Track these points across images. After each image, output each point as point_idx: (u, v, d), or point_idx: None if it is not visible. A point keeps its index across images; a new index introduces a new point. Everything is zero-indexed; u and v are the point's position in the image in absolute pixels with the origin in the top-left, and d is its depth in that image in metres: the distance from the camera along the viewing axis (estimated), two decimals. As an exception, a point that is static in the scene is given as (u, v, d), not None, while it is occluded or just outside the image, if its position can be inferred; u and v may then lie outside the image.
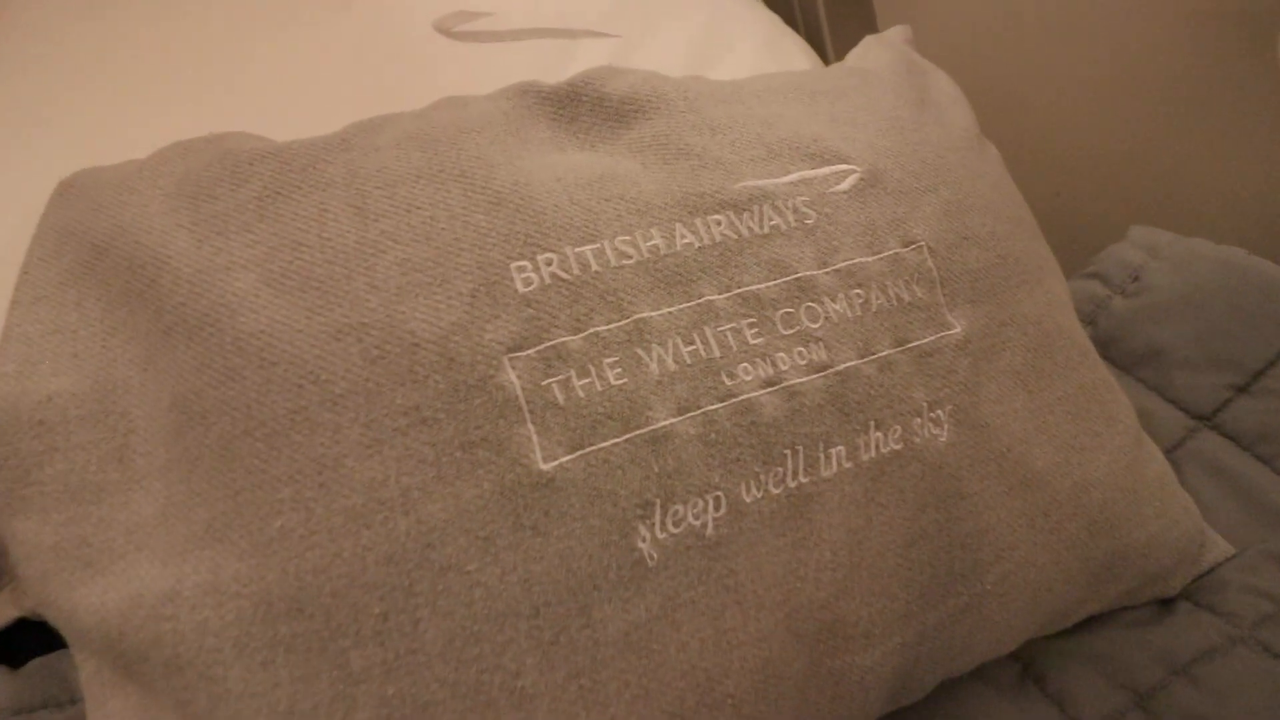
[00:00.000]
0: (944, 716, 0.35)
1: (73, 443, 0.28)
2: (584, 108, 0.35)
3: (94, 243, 0.30)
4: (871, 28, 0.74)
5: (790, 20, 0.71)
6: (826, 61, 0.69)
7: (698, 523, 0.27)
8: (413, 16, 0.51)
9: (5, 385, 0.28)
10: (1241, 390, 0.46)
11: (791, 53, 0.60)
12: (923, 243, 0.33)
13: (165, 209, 0.30)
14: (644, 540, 0.27)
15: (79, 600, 0.26)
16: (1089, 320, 0.52)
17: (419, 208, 0.29)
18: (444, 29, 0.50)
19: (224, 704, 0.24)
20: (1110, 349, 0.51)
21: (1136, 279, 0.52)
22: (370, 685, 0.24)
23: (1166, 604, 0.40)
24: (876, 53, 0.45)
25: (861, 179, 0.33)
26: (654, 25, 0.56)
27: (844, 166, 0.33)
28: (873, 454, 0.30)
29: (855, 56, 0.46)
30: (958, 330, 0.33)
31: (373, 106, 0.47)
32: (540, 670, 0.25)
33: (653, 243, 0.30)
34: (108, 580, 0.26)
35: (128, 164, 0.33)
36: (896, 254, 0.33)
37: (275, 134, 0.44)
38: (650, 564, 0.27)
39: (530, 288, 0.28)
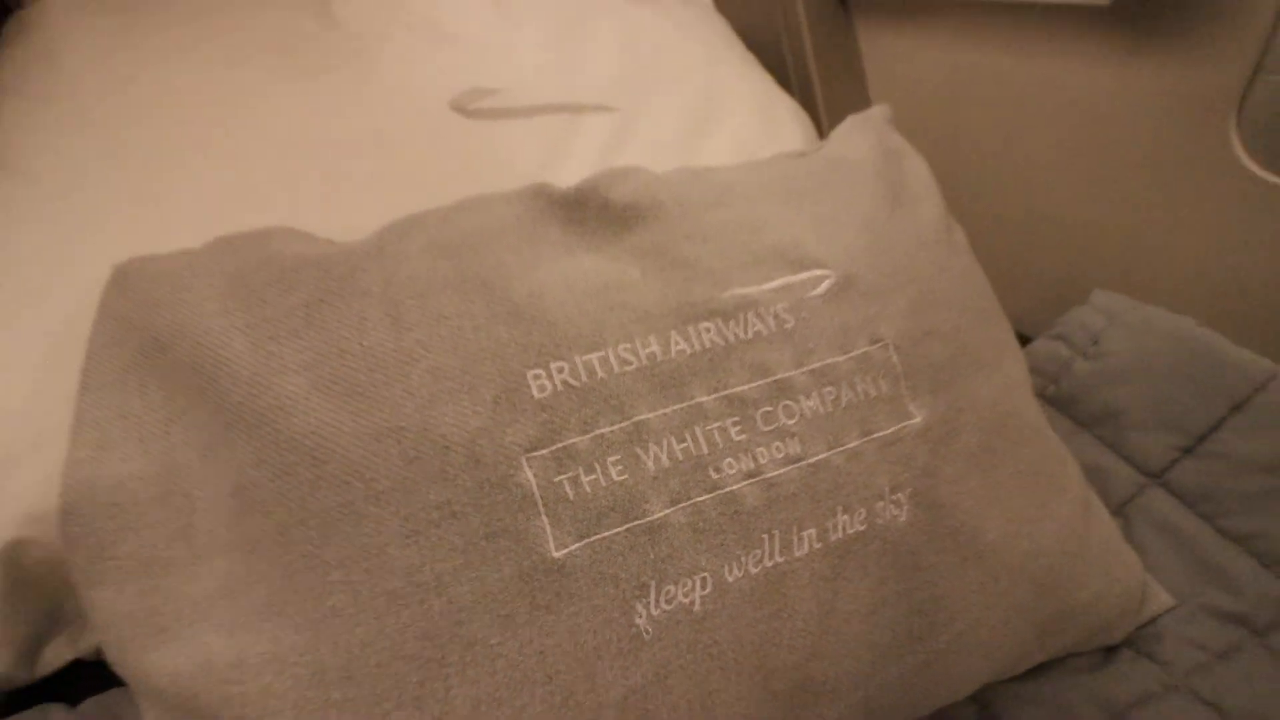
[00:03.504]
0: (905, 756, 0.38)
1: (143, 522, 0.31)
2: (590, 212, 0.38)
3: (155, 337, 0.33)
4: (861, 83, 0.77)
5: (784, 76, 0.74)
6: (816, 118, 0.73)
7: (687, 600, 0.30)
8: (427, 94, 0.54)
9: (82, 470, 0.31)
10: (1187, 452, 0.49)
11: (783, 120, 0.64)
12: (888, 340, 0.36)
13: (219, 310, 0.33)
14: (640, 617, 0.30)
15: (152, 663, 0.30)
16: (1053, 380, 0.55)
17: (447, 318, 0.32)
18: (460, 107, 0.54)
19: (283, 757, 0.27)
20: (1071, 408, 0.54)
21: (1096, 342, 0.54)
22: (409, 743, 0.27)
23: (1111, 651, 0.43)
24: (858, 139, 0.47)
25: (835, 283, 0.36)
26: (653, 96, 0.59)
27: (820, 271, 0.36)
28: (840, 535, 0.33)
29: (839, 140, 0.48)
30: (918, 420, 0.36)
31: (394, 182, 0.50)
32: (553, 729, 0.28)
33: (651, 349, 0.32)
34: (178, 646, 0.29)
35: (178, 256, 0.36)
36: (865, 352, 0.35)
37: (302, 211, 0.45)
38: (646, 637, 0.30)
39: (545, 394, 0.30)
